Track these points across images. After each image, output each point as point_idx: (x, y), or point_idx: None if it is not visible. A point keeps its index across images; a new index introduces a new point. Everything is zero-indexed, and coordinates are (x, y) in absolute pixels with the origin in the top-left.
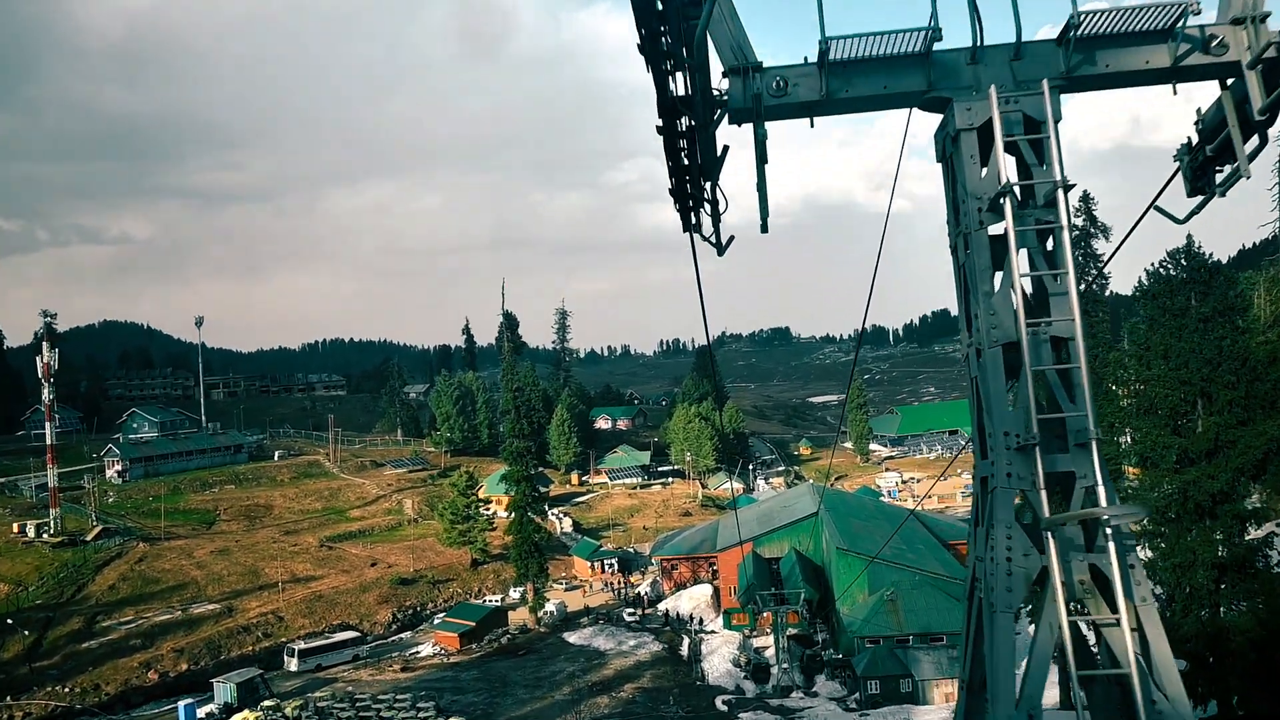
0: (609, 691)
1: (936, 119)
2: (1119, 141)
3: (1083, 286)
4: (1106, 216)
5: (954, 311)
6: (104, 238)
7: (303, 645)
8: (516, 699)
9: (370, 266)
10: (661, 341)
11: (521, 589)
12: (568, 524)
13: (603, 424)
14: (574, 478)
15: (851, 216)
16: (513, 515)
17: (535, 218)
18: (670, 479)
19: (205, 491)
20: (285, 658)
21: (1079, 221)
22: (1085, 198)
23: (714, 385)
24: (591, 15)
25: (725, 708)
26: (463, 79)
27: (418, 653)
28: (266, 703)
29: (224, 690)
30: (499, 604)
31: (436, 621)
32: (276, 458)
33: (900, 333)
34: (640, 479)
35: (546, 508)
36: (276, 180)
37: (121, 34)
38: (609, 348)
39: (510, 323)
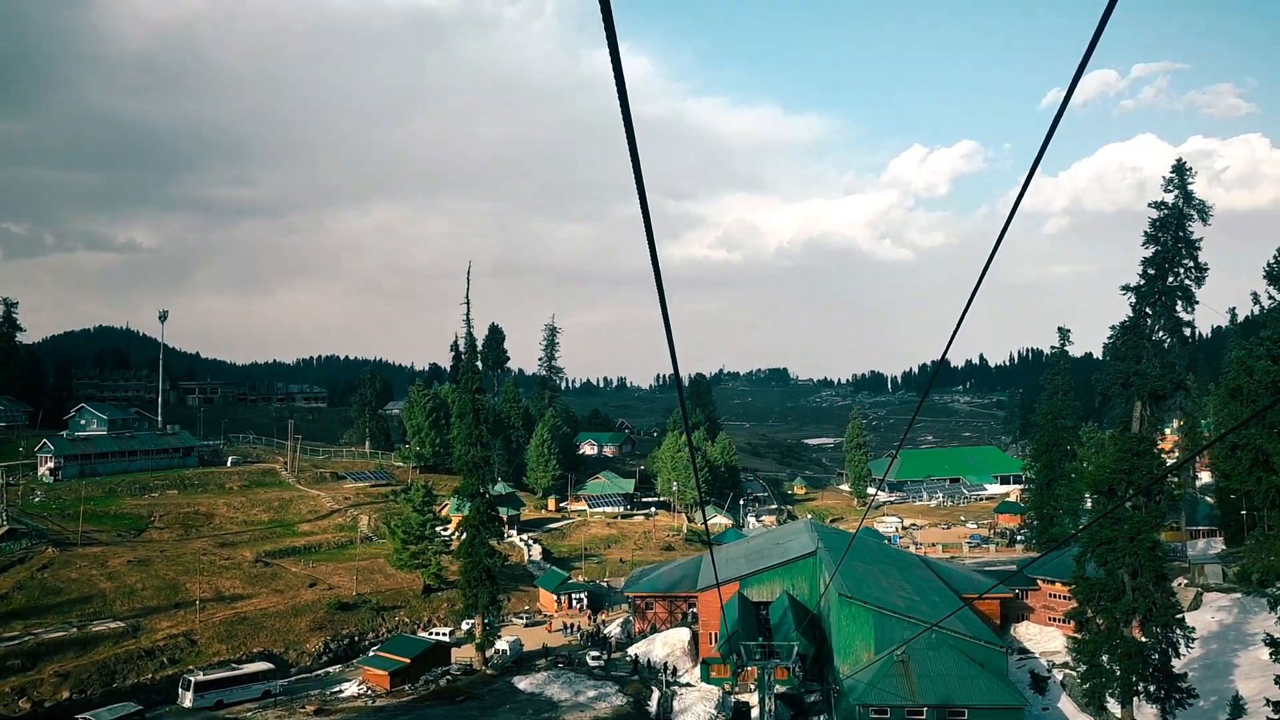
0: None
1: (945, 168)
2: (1123, 206)
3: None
4: (1113, 279)
5: (954, 362)
6: (110, 245)
7: (201, 677)
8: None
9: (372, 287)
10: (658, 376)
11: (471, 623)
12: (536, 552)
13: (588, 449)
14: (551, 503)
15: (855, 263)
16: (464, 535)
17: (539, 246)
18: (655, 510)
19: (143, 496)
20: (180, 691)
21: (1169, 198)
22: (1179, 166)
23: (682, 408)
24: (606, 53)
25: None
26: (477, 106)
27: (340, 692)
28: None
29: None
30: (443, 639)
31: (367, 656)
32: (229, 464)
33: (899, 380)
34: (622, 508)
35: (515, 532)
36: (286, 197)
37: (143, 44)
38: (604, 379)
39: (495, 335)
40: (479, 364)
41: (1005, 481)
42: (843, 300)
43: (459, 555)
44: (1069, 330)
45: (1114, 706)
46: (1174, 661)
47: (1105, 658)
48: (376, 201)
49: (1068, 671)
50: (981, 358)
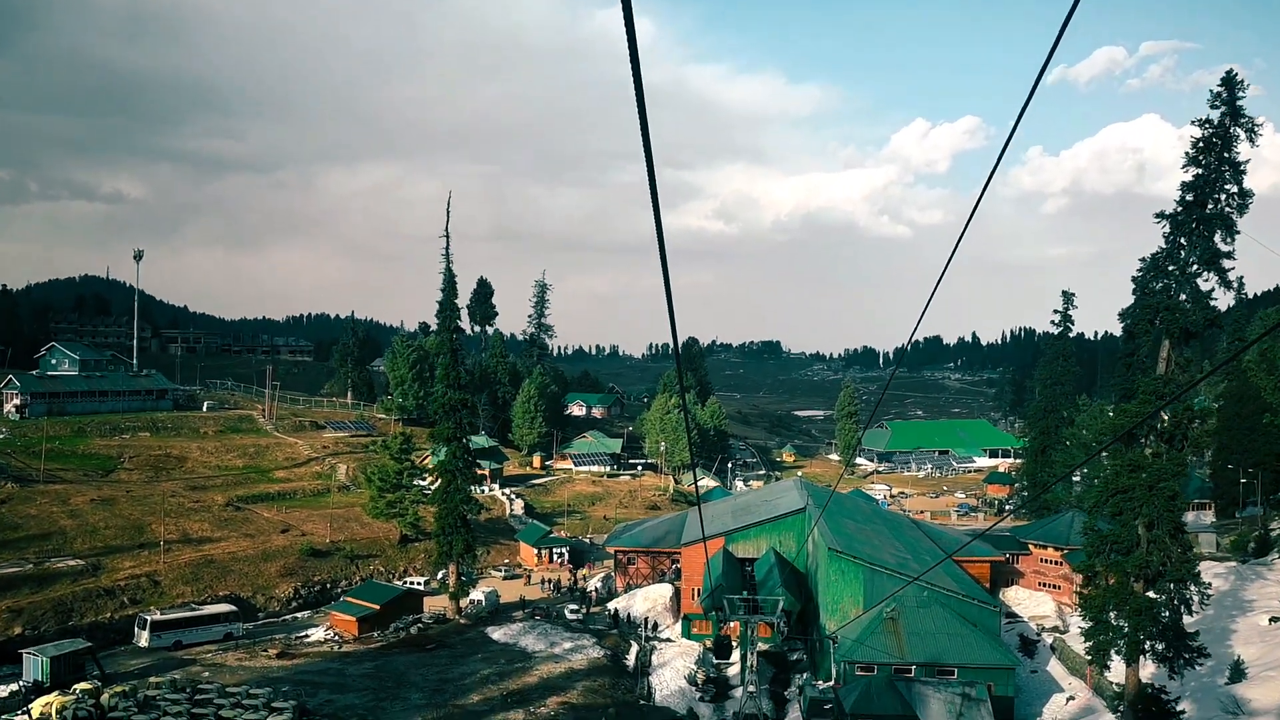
0: (527, 705)
1: (946, 144)
2: (1123, 187)
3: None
4: (1109, 262)
5: (946, 339)
6: (96, 194)
7: (158, 616)
8: (407, 705)
9: (362, 248)
10: (651, 345)
11: (444, 572)
12: (519, 506)
13: (577, 410)
14: (536, 460)
15: (852, 238)
16: (439, 481)
17: (534, 212)
18: (641, 470)
19: (114, 436)
20: (136, 630)
21: (1215, 115)
22: (1230, 79)
23: (678, 368)
24: (609, 15)
25: None
26: (474, 68)
27: (305, 637)
28: (82, 685)
29: (35, 664)
30: (415, 587)
31: (336, 602)
32: (205, 409)
33: (890, 356)
34: (609, 468)
35: (497, 486)
36: (275, 153)
37: None
38: (597, 346)
39: (483, 290)
40: (457, 301)
41: (994, 455)
42: (838, 275)
43: (434, 500)
44: (1073, 294)
45: (1118, 668)
46: (1184, 619)
47: (1113, 614)
48: (367, 161)
49: (1057, 635)
50: (974, 335)
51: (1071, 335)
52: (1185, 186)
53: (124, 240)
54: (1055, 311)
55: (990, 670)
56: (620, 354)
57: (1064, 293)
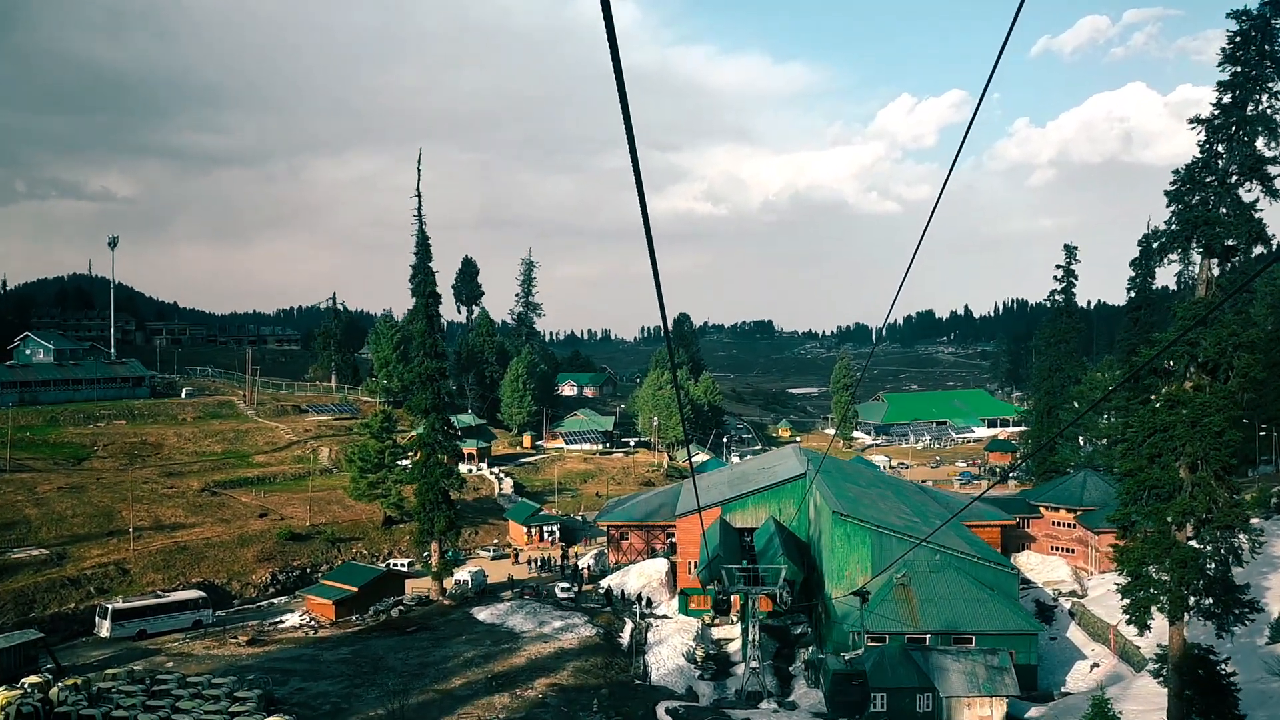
0: (513, 687)
1: (933, 118)
2: (1110, 156)
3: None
4: (1098, 232)
5: (939, 313)
6: (84, 193)
7: (120, 604)
8: (384, 691)
9: (351, 239)
10: (643, 328)
11: (428, 551)
12: (508, 485)
13: (568, 390)
14: (526, 439)
15: (841, 216)
16: (417, 454)
17: (523, 199)
18: (635, 448)
19: (88, 425)
20: (97, 620)
21: (1253, 3)
22: None
23: (666, 336)
24: None
25: (670, 718)
26: (461, 54)
27: (280, 623)
28: (31, 679)
29: None
30: (397, 568)
31: (312, 586)
32: (184, 395)
33: (884, 332)
34: (601, 446)
35: (485, 465)
36: (263, 146)
37: None
38: (589, 331)
39: (469, 269)
40: (431, 265)
41: (993, 425)
42: (829, 253)
43: (413, 476)
44: (1075, 248)
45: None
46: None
47: (1153, 568)
48: (355, 152)
49: (1076, 600)
50: (966, 309)
51: (1075, 291)
52: (1222, 86)
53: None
54: (1057, 267)
55: (1011, 637)
56: (613, 338)
57: (1066, 246)
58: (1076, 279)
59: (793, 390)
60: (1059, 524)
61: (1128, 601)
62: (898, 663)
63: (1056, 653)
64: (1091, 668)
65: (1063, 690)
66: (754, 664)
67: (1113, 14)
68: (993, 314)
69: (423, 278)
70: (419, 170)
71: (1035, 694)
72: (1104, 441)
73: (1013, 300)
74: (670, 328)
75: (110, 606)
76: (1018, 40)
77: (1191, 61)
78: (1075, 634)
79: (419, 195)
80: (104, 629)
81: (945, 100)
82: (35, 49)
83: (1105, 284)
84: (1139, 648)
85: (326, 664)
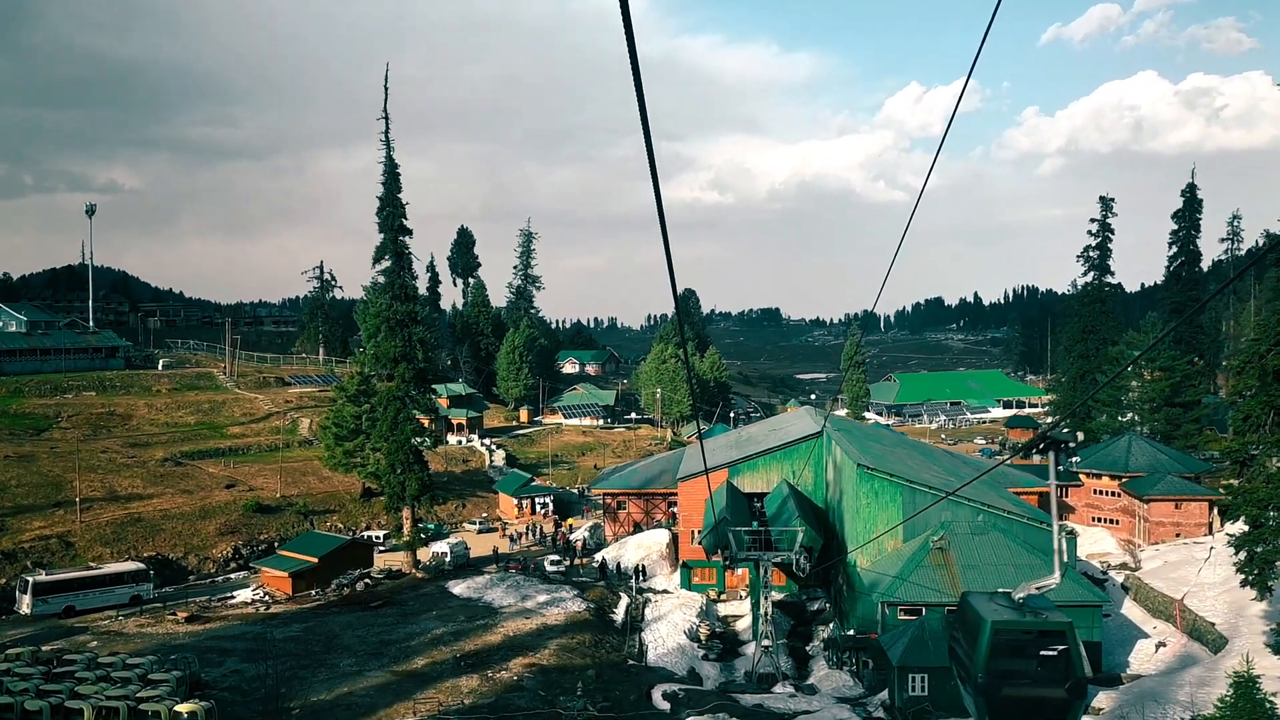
0: (485, 668)
1: (942, 107)
2: (1120, 145)
3: None
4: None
5: (947, 300)
6: (91, 186)
7: (44, 577)
8: (334, 673)
9: (357, 230)
10: (649, 316)
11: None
12: (500, 457)
13: (569, 368)
14: (523, 414)
15: (849, 205)
16: (384, 408)
17: (528, 189)
18: (637, 423)
19: (54, 395)
20: (17, 595)
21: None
22: None
23: (676, 308)
24: None
25: (667, 705)
26: (465, 45)
27: (230, 598)
28: None
29: None
30: (363, 538)
31: (268, 557)
32: (161, 366)
33: (892, 319)
34: (602, 420)
35: (476, 436)
36: (270, 138)
37: None
38: (595, 319)
39: (464, 239)
40: (402, 196)
41: (1009, 406)
42: (836, 241)
43: (379, 433)
44: (1112, 200)
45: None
46: None
47: (1275, 514)
48: (362, 143)
49: (1130, 573)
50: (976, 296)
51: (1109, 262)
52: None
53: (119, 230)
54: (1089, 235)
55: (1070, 609)
56: (619, 326)
57: (1101, 198)
58: (1112, 239)
59: (800, 375)
60: (1101, 492)
61: (1242, 556)
62: (940, 640)
63: (1113, 630)
64: (1157, 647)
65: (1129, 672)
66: (766, 642)
67: (1124, 2)
68: (1003, 301)
69: (391, 209)
70: (386, 89)
71: (1100, 676)
72: (1146, 406)
73: (1023, 287)
74: (679, 293)
75: (30, 580)
76: (1028, 28)
77: (1202, 50)
78: (1131, 610)
79: (385, 117)
80: (24, 605)
81: (954, 89)
82: (42, 44)
83: (1120, 272)
84: (1213, 624)
85: (274, 643)
